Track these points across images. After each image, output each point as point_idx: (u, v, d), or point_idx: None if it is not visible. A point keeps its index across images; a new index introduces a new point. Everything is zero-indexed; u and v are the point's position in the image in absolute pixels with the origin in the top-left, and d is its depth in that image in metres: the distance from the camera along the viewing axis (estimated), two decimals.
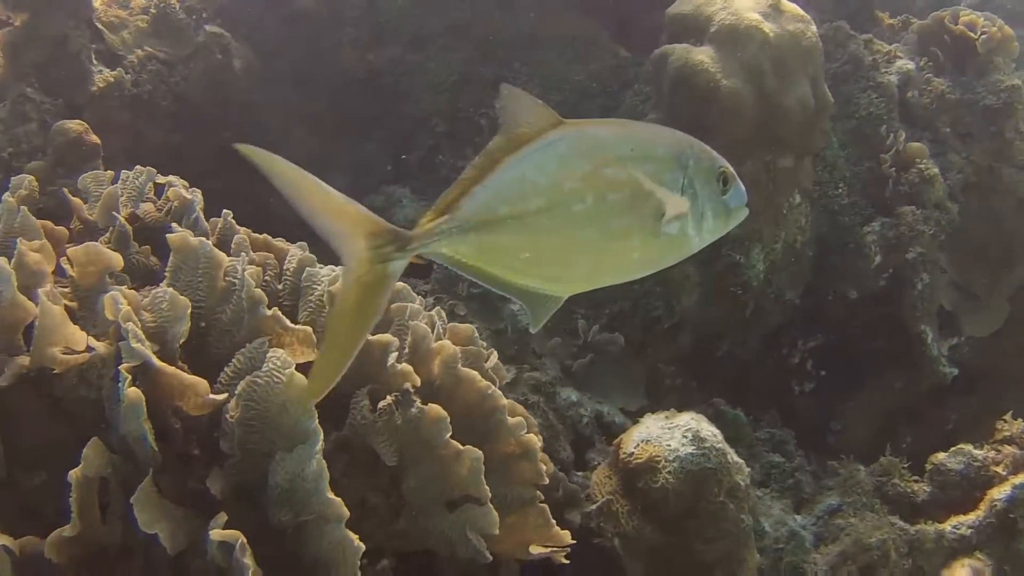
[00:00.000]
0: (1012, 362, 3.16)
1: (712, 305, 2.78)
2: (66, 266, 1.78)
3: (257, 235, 1.99)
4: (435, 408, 1.62)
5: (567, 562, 1.83)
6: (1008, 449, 2.34)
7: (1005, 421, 2.38)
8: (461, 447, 1.60)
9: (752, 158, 2.59)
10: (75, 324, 1.63)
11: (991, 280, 3.01)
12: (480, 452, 1.60)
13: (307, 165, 3.05)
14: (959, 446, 2.41)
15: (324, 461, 1.46)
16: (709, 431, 2.01)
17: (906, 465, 2.57)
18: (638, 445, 1.99)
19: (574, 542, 1.81)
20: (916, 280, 2.89)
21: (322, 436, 1.49)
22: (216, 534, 1.45)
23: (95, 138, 2.65)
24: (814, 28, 2.61)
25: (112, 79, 2.92)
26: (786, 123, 2.55)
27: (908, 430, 3.21)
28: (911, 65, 3.07)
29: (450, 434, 1.60)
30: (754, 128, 2.53)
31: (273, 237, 2.65)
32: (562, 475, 2.21)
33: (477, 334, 2.00)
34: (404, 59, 3.14)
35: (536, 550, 1.79)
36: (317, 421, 1.50)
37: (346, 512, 1.45)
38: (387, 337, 1.67)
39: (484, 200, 1.10)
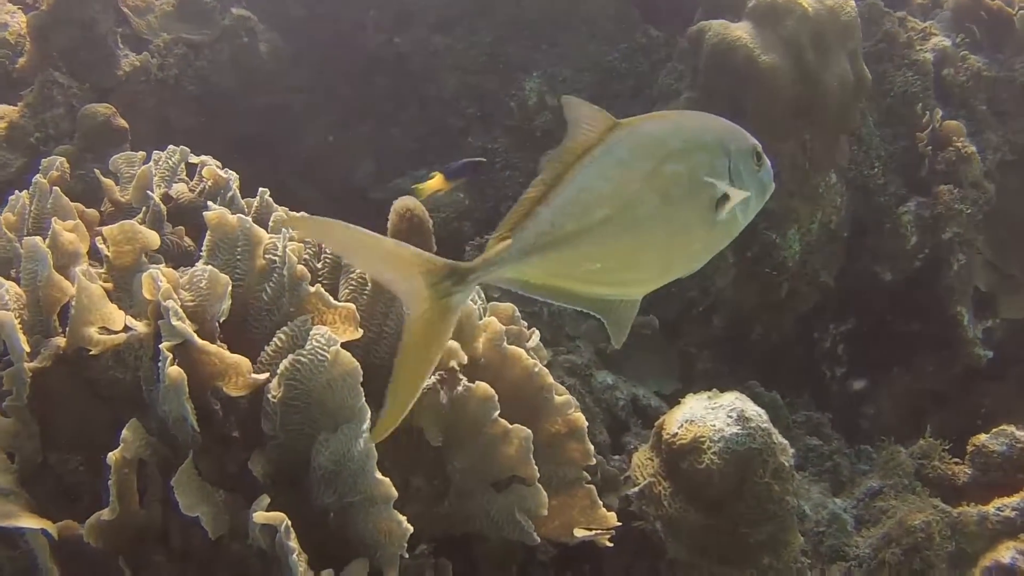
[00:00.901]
0: None
1: (746, 286, 2.74)
2: (101, 246, 1.76)
3: (295, 213, 1.96)
4: (483, 386, 1.59)
5: (611, 545, 1.80)
6: None
7: None
8: (509, 426, 1.57)
9: (790, 136, 2.54)
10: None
11: None
12: (529, 431, 1.57)
13: (334, 150, 3.01)
14: (1001, 427, 2.36)
15: (372, 440, 1.43)
16: (754, 411, 1.97)
17: (946, 447, 2.53)
18: (682, 425, 1.96)
19: (619, 524, 1.77)
20: (952, 261, 2.85)
21: (369, 414, 1.46)
22: (260, 516, 1.42)
23: (123, 122, 2.63)
24: (853, 3, 2.57)
25: (138, 63, 2.90)
26: (825, 100, 2.51)
27: (941, 414, 3.17)
28: (947, 42, 3.02)
29: (498, 412, 1.57)
30: (792, 105, 2.49)
31: None
32: (600, 459, 2.17)
33: (517, 313, 1.96)
34: (430, 41, 3.10)
35: (580, 533, 1.75)
36: (364, 399, 1.47)
37: (395, 492, 1.42)
38: None
39: (548, 218, 1.08)
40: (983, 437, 2.38)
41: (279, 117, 3.19)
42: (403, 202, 2.25)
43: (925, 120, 2.86)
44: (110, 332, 1.57)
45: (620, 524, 1.78)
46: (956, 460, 2.44)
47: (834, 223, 2.76)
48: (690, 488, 1.95)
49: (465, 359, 1.62)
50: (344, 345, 1.57)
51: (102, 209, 2.08)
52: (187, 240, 1.99)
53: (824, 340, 3.10)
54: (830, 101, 2.51)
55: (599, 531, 1.76)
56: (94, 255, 1.80)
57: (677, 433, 1.95)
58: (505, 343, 1.70)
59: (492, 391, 1.58)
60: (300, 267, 1.63)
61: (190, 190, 2.10)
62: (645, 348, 2.68)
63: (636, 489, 2.01)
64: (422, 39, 3.12)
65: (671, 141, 1.17)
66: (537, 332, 1.97)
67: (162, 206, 1.94)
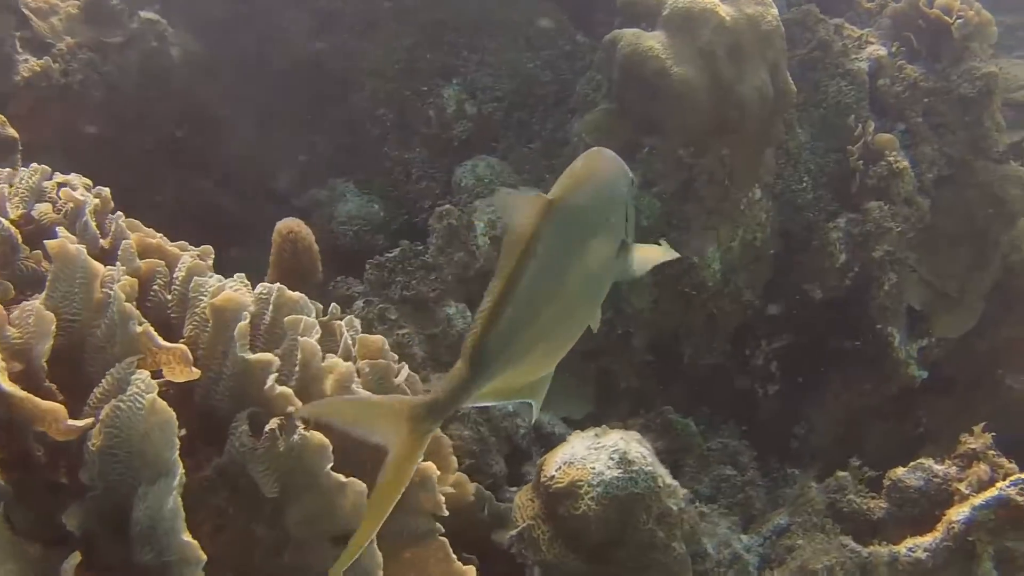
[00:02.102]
0: (984, 364, 3.01)
1: (667, 307, 2.63)
2: None
3: (152, 240, 1.85)
4: (316, 436, 1.48)
5: None
6: (976, 467, 2.18)
7: (971, 433, 2.22)
8: (344, 479, 1.46)
9: (708, 151, 2.43)
10: None
11: (964, 278, 2.84)
12: (363, 485, 1.46)
13: (253, 158, 2.84)
14: (919, 460, 2.26)
15: (180, 498, 1.32)
16: (638, 452, 1.86)
17: (865, 476, 2.43)
18: (560, 468, 1.85)
19: None
20: (883, 279, 2.73)
21: (181, 470, 1.35)
22: None
23: (12, 131, 2.51)
24: (775, 11, 2.44)
25: (39, 68, 2.77)
26: (743, 113, 2.39)
27: (877, 434, 3.08)
28: (883, 51, 2.89)
29: (331, 464, 1.47)
30: (709, 119, 2.37)
31: (221, 228, 2.49)
32: (488, 494, 2.07)
33: (388, 346, 1.85)
34: (349, 45, 2.98)
35: None
36: (178, 453, 1.36)
37: (203, 556, 1.31)
38: (267, 356, 1.53)
39: (505, 333, 1.09)
40: (900, 471, 2.27)
41: (195, 123, 3.07)
42: (286, 224, 2.16)
43: (857, 132, 2.74)
44: None
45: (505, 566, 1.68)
46: (873, 494, 2.33)
47: (759, 240, 2.64)
48: (568, 533, 1.85)
49: (299, 404, 1.51)
50: (183, 386, 1.47)
51: None
52: (45, 264, 1.88)
53: (756, 358, 2.99)
54: (749, 114, 2.39)
55: None
56: None
57: (554, 476, 1.85)
58: (354, 386, 1.59)
59: (326, 441, 1.47)
60: (128, 304, 1.52)
61: (56, 211, 1.98)
62: (560, 371, 2.56)
63: (515, 532, 1.90)
64: (342, 44, 3.00)
65: (591, 215, 1.18)
66: (406, 366, 1.86)
67: (14, 231, 1.83)
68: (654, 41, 2.34)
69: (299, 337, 1.61)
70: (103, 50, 2.88)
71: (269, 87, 3.09)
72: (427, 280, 2.47)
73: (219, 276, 1.69)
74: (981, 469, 2.14)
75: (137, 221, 1.94)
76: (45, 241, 1.63)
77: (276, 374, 1.51)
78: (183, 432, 1.40)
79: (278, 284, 1.75)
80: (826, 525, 2.20)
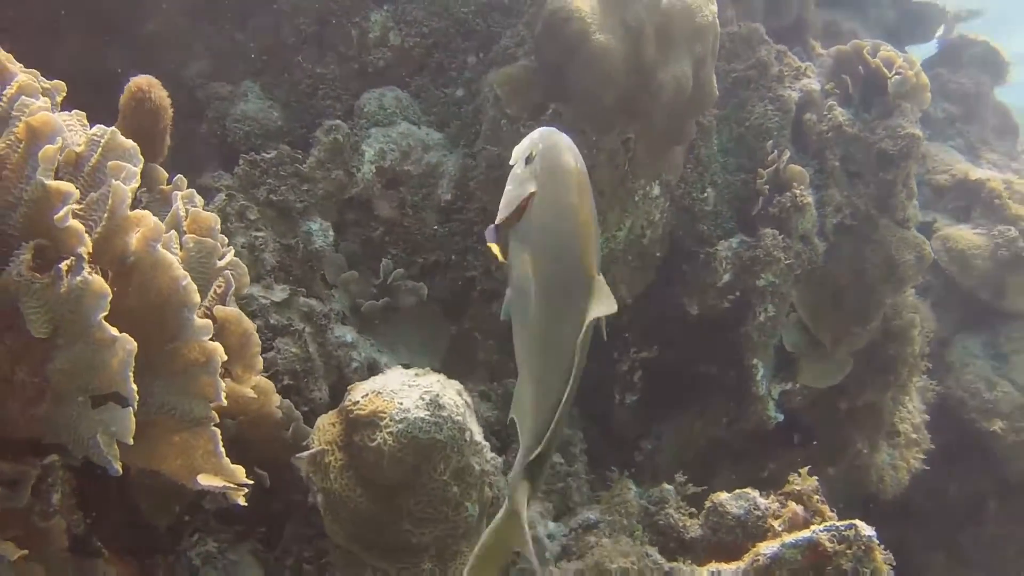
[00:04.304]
0: (842, 424, 2.98)
1: None
2: None
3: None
4: (98, 281, 1.33)
5: (243, 503, 1.55)
6: (792, 506, 2.13)
7: (799, 474, 2.17)
8: (117, 334, 1.32)
9: (612, 130, 2.33)
10: None
11: (841, 332, 2.81)
12: (134, 344, 1.32)
13: (172, 41, 2.60)
14: (744, 490, 2.19)
15: None
16: (452, 400, 1.74)
17: (688, 492, 2.37)
18: (367, 395, 1.73)
19: (250, 482, 1.53)
20: (760, 309, 2.68)
21: None
22: None
23: None
24: (714, 8, 2.36)
25: None
26: (656, 100, 2.30)
27: (722, 467, 3.02)
28: (816, 86, 2.85)
29: (105, 314, 1.31)
30: (620, 96, 2.28)
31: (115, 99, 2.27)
32: (298, 415, 1.93)
33: (219, 226, 1.71)
34: None
35: (207, 480, 1.51)
36: None
37: None
38: (66, 185, 1.37)
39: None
40: (724, 495, 2.20)
41: (118, 6, 2.87)
42: (138, 81, 1.98)
43: (771, 158, 2.69)
44: None
45: (252, 482, 1.54)
46: (692, 511, 2.27)
47: (647, 238, 2.56)
48: (360, 465, 1.72)
49: (88, 244, 1.35)
50: None
51: None
52: None
53: (622, 363, 2.91)
54: (662, 102, 2.30)
55: (230, 485, 1.52)
56: None
57: (359, 402, 1.73)
58: (159, 247, 1.44)
59: (107, 288, 1.32)
60: None
61: None
62: (411, 317, 2.44)
63: (306, 453, 1.77)
64: None
65: None
66: (232, 251, 1.71)
67: None
68: (583, 3, 2.24)
69: (112, 181, 1.45)
70: None
71: None
72: (298, 189, 2.32)
73: (50, 101, 1.52)
74: (797, 508, 2.08)
75: None
76: None
77: (73, 206, 1.35)
78: None
79: (113, 128, 1.59)
80: (635, 531, 2.12)
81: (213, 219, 1.73)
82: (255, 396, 1.77)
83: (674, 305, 2.78)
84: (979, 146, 4.33)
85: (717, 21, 2.39)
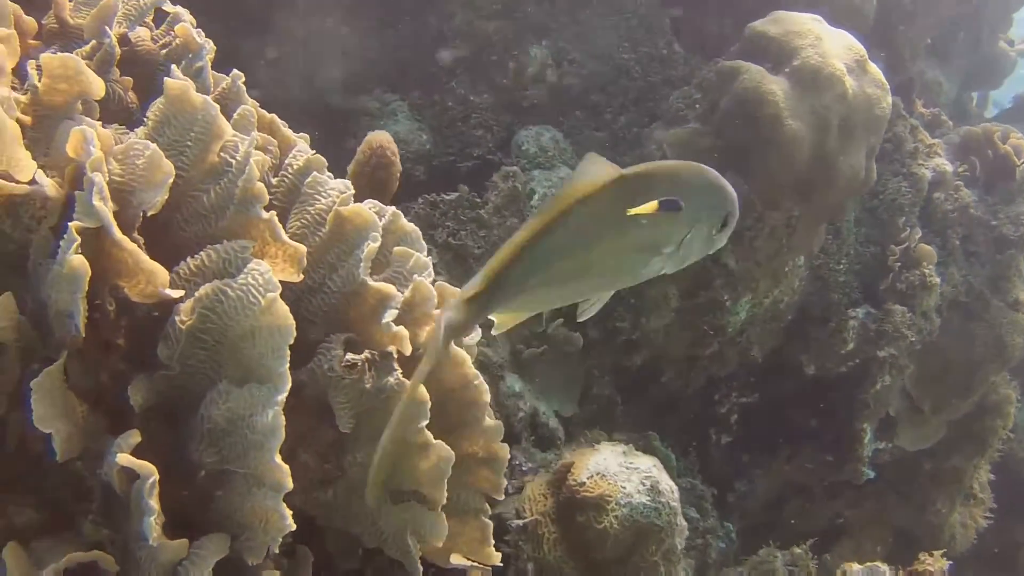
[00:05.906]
0: (922, 484, 3.14)
1: (678, 334, 2.63)
2: (32, 72, 1.47)
3: (264, 113, 1.70)
4: (421, 391, 1.40)
5: None
6: None
7: (930, 555, 2.32)
8: (432, 440, 1.39)
9: (781, 208, 2.42)
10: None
11: (942, 401, 2.96)
12: (452, 453, 1.39)
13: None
14: (875, 562, 2.34)
15: (283, 416, 1.22)
16: (668, 485, 1.85)
17: (812, 558, 2.50)
18: (592, 476, 1.82)
19: (500, 564, 1.62)
20: (879, 379, 2.81)
21: (290, 384, 1.25)
22: (123, 459, 1.19)
23: None
24: (890, 99, 2.45)
25: None
26: (830, 187, 2.39)
27: (799, 511, 3.17)
28: (949, 167, 2.96)
29: (426, 421, 1.39)
30: (798, 180, 2.36)
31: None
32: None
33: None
34: None
35: (457, 560, 1.59)
36: (288, 366, 1.26)
37: (289, 484, 1.22)
38: (389, 289, 1.43)
39: (522, 274, 1.13)
40: (856, 566, 2.34)
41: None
42: (376, 137, 2.03)
43: (904, 235, 2.80)
44: (13, 180, 1.30)
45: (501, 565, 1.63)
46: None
47: (784, 304, 2.67)
48: (578, 542, 1.83)
49: (409, 350, 1.42)
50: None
51: (44, 22, 1.76)
52: (131, 95, 1.71)
53: (722, 405, 3.03)
54: (836, 189, 2.40)
55: (476, 564, 1.61)
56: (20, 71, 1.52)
57: (585, 483, 1.82)
58: (453, 344, 1.51)
59: (427, 397, 1.39)
60: (259, 185, 1.39)
61: (153, 40, 1.80)
62: (561, 364, 2.53)
63: (520, 522, 1.87)
64: None
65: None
66: (478, 328, 1.78)
67: (117, 48, 1.65)
68: (777, 87, 2.31)
69: (414, 276, 1.51)
70: None
71: None
72: (476, 235, 2.38)
73: (345, 182, 1.56)
74: None
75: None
76: (165, 79, 1.47)
77: (396, 311, 1.41)
78: None
79: (393, 208, 1.64)
80: None
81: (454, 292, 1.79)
82: None
83: (789, 361, 2.90)
84: None
85: (890, 113, 2.48)
